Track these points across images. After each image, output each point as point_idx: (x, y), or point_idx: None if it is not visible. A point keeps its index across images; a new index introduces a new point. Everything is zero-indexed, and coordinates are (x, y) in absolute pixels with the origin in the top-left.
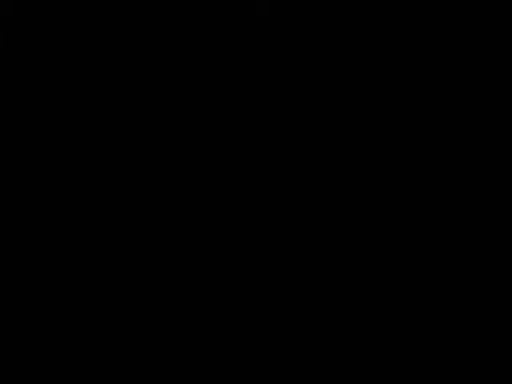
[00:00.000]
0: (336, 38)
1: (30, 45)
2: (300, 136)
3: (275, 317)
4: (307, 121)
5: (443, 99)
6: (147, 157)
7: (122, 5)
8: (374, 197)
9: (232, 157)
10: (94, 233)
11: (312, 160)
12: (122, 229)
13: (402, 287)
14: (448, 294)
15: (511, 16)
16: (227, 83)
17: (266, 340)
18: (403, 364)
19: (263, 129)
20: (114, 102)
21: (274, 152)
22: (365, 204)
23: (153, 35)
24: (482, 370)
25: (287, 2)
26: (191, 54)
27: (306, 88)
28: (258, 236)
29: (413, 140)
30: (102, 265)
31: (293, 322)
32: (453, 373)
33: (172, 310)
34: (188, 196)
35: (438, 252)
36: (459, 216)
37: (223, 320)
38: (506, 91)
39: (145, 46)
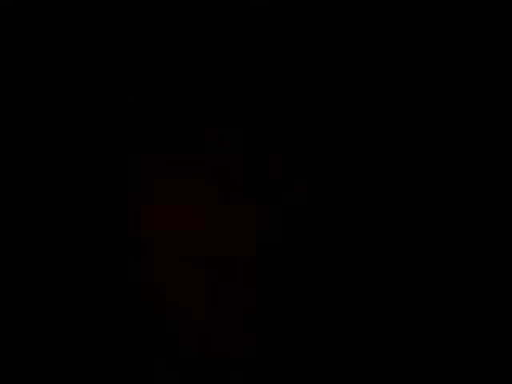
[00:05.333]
0: (334, 32)
1: (27, 40)
2: (298, 130)
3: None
4: (307, 116)
5: (444, 99)
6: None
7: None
8: (374, 197)
9: (231, 156)
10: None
11: (312, 160)
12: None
13: (404, 287)
14: (448, 294)
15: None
16: (223, 76)
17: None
18: (403, 364)
19: (262, 123)
20: (114, 101)
21: (272, 151)
22: (365, 204)
23: (150, 30)
24: (482, 370)
25: None
26: (186, 47)
27: (304, 82)
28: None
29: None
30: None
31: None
32: (453, 373)
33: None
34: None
35: (441, 252)
36: (460, 216)
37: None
38: (506, 91)
39: (142, 39)
